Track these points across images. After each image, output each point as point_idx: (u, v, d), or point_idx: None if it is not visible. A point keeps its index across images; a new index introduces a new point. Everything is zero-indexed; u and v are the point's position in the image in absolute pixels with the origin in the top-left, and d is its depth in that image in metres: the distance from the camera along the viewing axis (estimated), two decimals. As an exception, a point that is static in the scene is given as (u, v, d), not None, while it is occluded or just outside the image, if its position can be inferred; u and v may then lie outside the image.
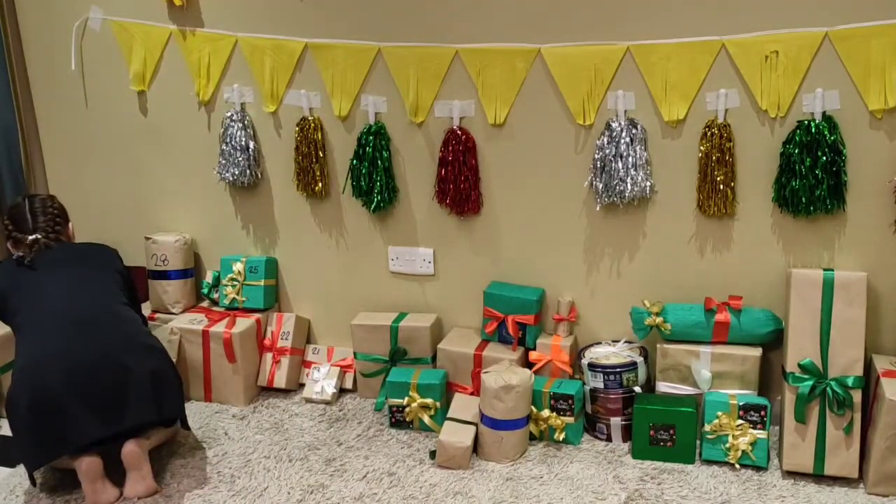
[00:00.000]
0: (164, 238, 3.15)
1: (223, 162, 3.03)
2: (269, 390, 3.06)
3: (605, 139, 2.59)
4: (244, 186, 3.10)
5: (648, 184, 2.60)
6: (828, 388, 2.31)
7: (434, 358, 2.90)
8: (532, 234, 2.81)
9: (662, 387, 2.60)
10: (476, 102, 2.74)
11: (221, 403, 2.99)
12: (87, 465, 2.32)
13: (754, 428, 2.42)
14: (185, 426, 2.63)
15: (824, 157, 2.39)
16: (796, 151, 2.41)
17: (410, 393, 2.73)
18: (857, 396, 2.31)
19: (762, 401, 2.44)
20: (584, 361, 2.65)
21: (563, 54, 2.59)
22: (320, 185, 2.95)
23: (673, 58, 2.49)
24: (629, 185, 2.57)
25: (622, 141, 2.56)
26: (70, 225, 2.83)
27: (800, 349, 2.36)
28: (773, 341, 2.55)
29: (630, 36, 2.51)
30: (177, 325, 2.99)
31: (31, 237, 2.64)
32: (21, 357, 2.41)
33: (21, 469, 2.56)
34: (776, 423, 2.61)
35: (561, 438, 2.61)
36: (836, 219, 2.48)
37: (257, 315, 3.06)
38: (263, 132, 3.03)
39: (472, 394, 2.78)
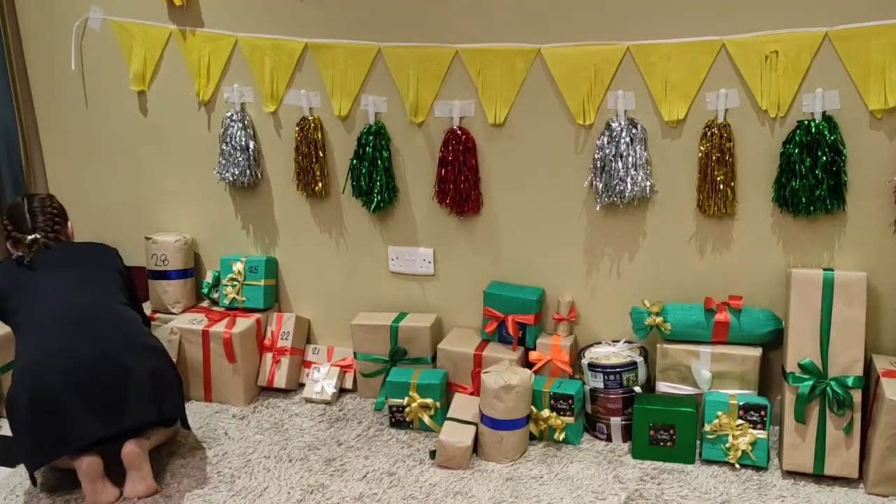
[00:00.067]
0: (164, 238, 3.15)
1: (223, 162, 3.03)
2: (269, 390, 3.06)
3: (605, 139, 2.59)
4: (244, 186, 3.10)
5: (648, 184, 2.60)
6: (828, 388, 2.31)
7: (434, 358, 2.90)
8: (532, 234, 2.81)
9: (662, 387, 2.60)
10: (476, 102, 2.74)
11: (221, 403, 2.99)
12: (87, 465, 2.32)
13: (754, 428, 2.42)
14: (185, 426, 2.63)
15: (824, 157, 2.39)
16: (796, 151, 2.41)
17: (410, 393, 2.73)
18: (857, 396, 2.31)
19: (762, 401, 2.44)
20: (584, 361, 2.65)
21: (563, 54, 2.59)
22: (320, 185, 2.95)
23: (673, 58, 2.49)
24: (629, 185, 2.58)
25: (622, 141, 2.56)
26: (69, 224, 2.83)
27: (800, 349, 2.36)
28: (773, 341, 2.55)
29: (630, 36, 2.52)
30: (177, 325, 2.99)
31: (30, 237, 2.64)
32: (21, 357, 2.41)
33: (21, 469, 2.56)
34: (776, 423, 2.61)
35: (561, 438, 2.61)
36: (836, 219, 2.48)
37: (257, 315, 3.06)
38: (263, 132, 3.03)
39: (472, 394, 2.78)
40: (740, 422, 2.42)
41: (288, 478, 2.47)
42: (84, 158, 3.33)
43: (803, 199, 2.43)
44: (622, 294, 2.76)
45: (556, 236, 2.79)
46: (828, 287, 2.34)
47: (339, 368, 3.04)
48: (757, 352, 2.51)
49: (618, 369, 2.59)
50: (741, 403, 2.43)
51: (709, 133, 2.51)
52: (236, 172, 3.00)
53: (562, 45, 2.59)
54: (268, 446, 2.67)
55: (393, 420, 2.77)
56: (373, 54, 2.79)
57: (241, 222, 3.18)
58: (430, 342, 2.90)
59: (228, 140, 2.99)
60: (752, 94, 2.46)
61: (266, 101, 2.97)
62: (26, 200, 2.73)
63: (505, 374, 2.53)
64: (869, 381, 2.38)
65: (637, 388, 2.60)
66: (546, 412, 2.60)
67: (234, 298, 3.09)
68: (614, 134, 2.57)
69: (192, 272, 3.22)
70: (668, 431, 2.47)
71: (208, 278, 3.22)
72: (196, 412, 2.91)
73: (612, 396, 2.59)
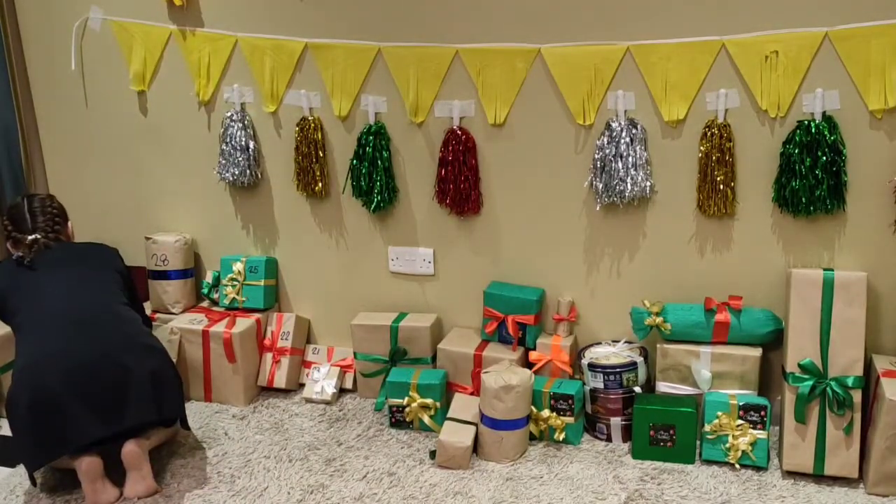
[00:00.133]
0: (164, 238, 3.15)
1: (223, 162, 3.03)
2: (269, 390, 3.06)
3: (605, 139, 2.59)
4: (244, 186, 3.10)
5: (648, 184, 2.60)
6: (828, 388, 2.31)
7: (434, 358, 2.90)
8: (532, 234, 2.81)
9: (662, 387, 2.60)
10: (476, 102, 2.74)
11: (221, 403, 2.99)
12: (87, 465, 2.32)
13: (754, 428, 2.42)
14: (185, 426, 2.63)
15: (824, 157, 2.39)
16: (796, 151, 2.41)
17: (410, 393, 2.73)
18: (857, 396, 2.31)
19: (762, 401, 2.44)
20: (584, 361, 2.65)
21: (563, 54, 2.59)
22: (320, 185, 2.95)
23: (673, 58, 2.49)
24: (629, 185, 2.57)
25: (622, 141, 2.56)
26: (69, 224, 2.83)
27: (800, 349, 2.36)
28: (773, 341, 2.55)
29: (630, 36, 2.51)
30: (177, 325, 2.99)
31: (30, 237, 2.64)
32: (21, 357, 2.41)
33: (21, 469, 2.56)
34: (776, 423, 2.61)
35: (561, 438, 2.61)
36: (836, 219, 2.48)
37: (257, 315, 3.06)
38: (263, 132, 3.03)
39: (472, 394, 2.78)
40: (740, 422, 2.42)
41: (288, 478, 2.47)
42: (84, 158, 3.33)
43: (803, 199, 2.43)
44: (622, 294, 2.76)
45: (556, 236, 2.79)
46: (828, 287, 2.34)
47: (339, 368, 3.04)
48: (757, 352, 2.51)
49: (618, 369, 2.58)
50: (741, 403, 2.43)
51: (709, 133, 2.51)
52: (236, 172, 3.00)
53: (562, 45, 2.59)
54: (268, 446, 2.67)
55: (393, 420, 2.77)
56: (373, 54, 2.79)
57: (241, 222, 3.19)
58: (430, 342, 2.90)
59: (228, 140, 2.99)
60: (752, 94, 2.46)
61: (266, 101, 2.97)
62: (26, 200, 2.73)
63: (505, 374, 2.53)
64: (869, 381, 2.38)
65: (637, 388, 2.60)
66: (546, 412, 2.60)
67: (234, 298, 3.09)
68: (614, 134, 2.57)
69: (192, 272, 3.22)
70: (668, 431, 2.47)
71: (208, 278, 3.22)
72: (196, 412, 2.91)
73: (612, 396, 2.59)
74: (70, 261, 2.64)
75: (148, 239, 3.16)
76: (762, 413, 2.41)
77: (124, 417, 2.36)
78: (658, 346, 2.59)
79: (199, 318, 3.04)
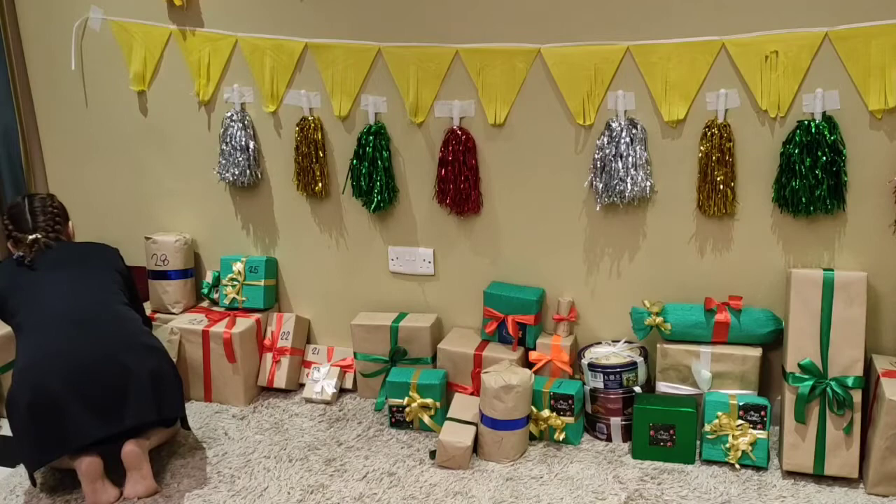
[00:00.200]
0: (164, 238, 3.15)
1: (223, 162, 3.03)
2: (269, 390, 3.06)
3: (605, 139, 2.59)
4: (244, 186, 3.10)
5: (648, 184, 2.60)
6: (828, 388, 2.31)
7: (434, 358, 2.90)
8: (532, 234, 2.81)
9: (662, 387, 2.60)
10: (476, 102, 2.74)
11: (221, 403, 2.99)
12: (87, 465, 2.32)
13: (754, 428, 2.42)
14: (185, 426, 2.63)
15: (824, 158, 2.39)
16: (796, 151, 2.41)
17: (410, 393, 2.73)
18: (857, 396, 2.31)
19: (762, 401, 2.44)
20: (584, 361, 2.65)
21: (563, 54, 2.59)
22: (320, 185, 2.95)
23: (673, 58, 2.49)
24: (629, 185, 2.57)
25: (622, 141, 2.56)
26: (70, 224, 2.83)
27: (800, 349, 2.36)
28: (773, 341, 2.55)
29: (630, 36, 2.51)
30: (177, 325, 2.99)
31: (31, 237, 2.64)
32: (21, 357, 2.41)
33: (21, 469, 2.56)
34: (776, 423, 2.61)
35: (561, 438, 2.61)
36: (836, 219, 2.48)
37: (257, 315, 3.06)
38: (263, 132, 3.03)
39: (472, 394, 2.78)
40: (740, 422, 2.42)
41: (288, 478, 2.47)
42: (84, 158, 3.33)
43: (803, 200, 2.43)
44: (622, 294, 2.76)
45: (556, 236, 2.79)
46: (828, 287, 2.34)
47: (339, 368, 3.04)
48: (757, 352, 2.51)
49: (618, 369, 2.59)
50: (741, 403, 2.43)
51: (709, 133, 2.51)
52: (236, 172, 3.01)
53: (562, 45, 2.59)
54: (268, 446, 2.67)
55: (393, 420, 2.77)
56: (373, 54, 2.79)
57: (241, 222, 3.19)
58: (430, 342, 2.90)
59: (228, 140, 2.99)
60: (752, 94, 2.46)
61: (266, 101, 2.97)
62: (27, 200, 2.73)
63: (505, 374, 2.53)
64: (869, 381, 2.38)
65: (637, 388, 2.60)
66: (546, 412, 2.60)
67: (234, 298, 3.09)
68: (614, 134, 2.57)
69: (192, 272, 3.22)
70: (668, 431, 2.47)
71: (208, 278, 3.22)
72: (196, 412, 2.91)
73: (612, 396, 2.59)
74: (70, 261, 2.64)
75: (148, 239, 3.16)
76: (762, 413, 2.41)
77: (124, 417, 2.36)
78: (658, 346, 2.59)
79: (199, 318, 3.04)
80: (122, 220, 3.32)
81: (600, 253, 2.76)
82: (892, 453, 2.23)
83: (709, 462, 2.47)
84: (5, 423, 2.72)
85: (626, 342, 2.75)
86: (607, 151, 2.59)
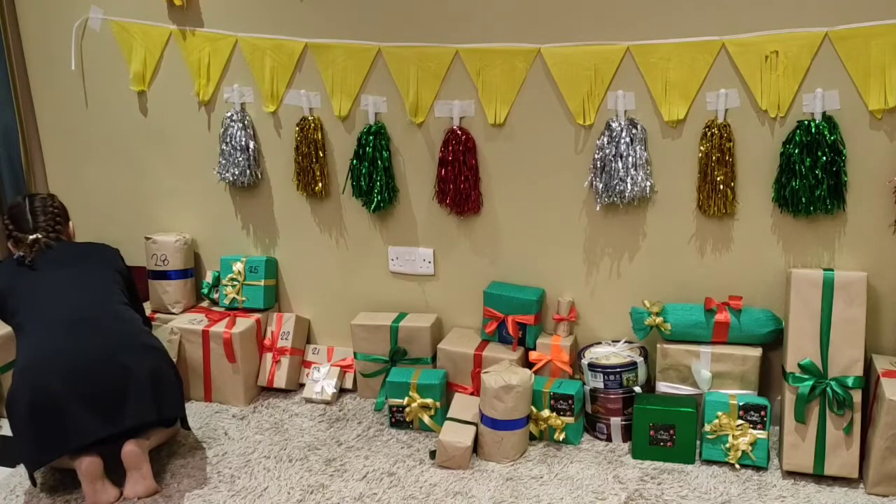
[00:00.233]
0: (164, 238, 3.15)
1: (223, 162, 3.03)
2: (269, 390, 3.06)
3: (605, 139, 2.59)
4: (244, 186, 3.10)
5: (648, 184, 2.60)
6: (828, 388, 2.31)
7: (434, 358, 2.90)
8: (532, 234, 2.81)
9: (662, 387, 2.60)
10: (476, 102, 2.74)
11: (221, 403, 2.99)
12: (87, 465, 2.32)
13: (754, 428, 2.42)
14: (185, 426, 2.63)
15: (824, 158, 2.39)
16: (796, 151, 2.41)
17: (410, 393, 2.73)
18: (857, 396, 2.30)
19: (762, 401, 2.44)
20: (584, 361, 2.65)
21: (563, 54, 2.59)
22: (320, 185, 2.95)
23: (673, 58, 2.49)
24: (629, 185, 2.57)
25: (622, 141, 2.56)
26: (71, 224, 2.83)
27: (800, 349, 2.36)
28: (773, 341, 2.55)
29: (630, 36, 2.51)
30: (177, 325, 2.99)
31: (31, 237, 2.64)
32: (21, 357, 2.41)
33: (21, 469, 2.56)
34: (776, 423, 2.61)
35: (561, 438, 2.61)
36: (836, 219, 2.48)
37: (257, 315, 3.06)
38: (263, 132, 3.03)
39: (472, 394, 2.78)
40: (740, 422, 2.42)
41: (288, 478, 2.48)
42: (84, 158, 3.33)
43: (803, 200, 2.43)
44: (622, 294, 2.76)
45: (556, 236, 2.79)
46: (828, 287, 2.34)
47: (339, 368, 3.04)
48: (757, 352, 2.51)
49: (618, 369, 2.59)
50: (741, 403, 2.43)
51: (709, 133, 2.51)
52: (236, 172, 3.01)
53: (562, 45, 2.59)
54: (268, 446, 2.67)
55: (393, 420, 2.77)
56: (373, 54, 2.79)
57: (241, 222, 3.19)
58: (430, 342, 2.90)
59: (228, 140, 3.00)
60: (752, 94, 2.46)
61: (266, 101, 2.97)
62: (28, 200, 2.73)
63: (505, 374, 2.53)
64: (869, 381, 2.38)
65: (637, 388, 2.60)
66: (546, 412, 2.60)
67: (234, 298, 3.09)
68: (614, 134, 2.57)
69: (192, 272, 3.22)
70: (668, 431, 2.47)
71: (208, 278, 3.22)
72: (196, 412, 2.91)
73: (612, 396, 2.59)
74: (71, 260, 2.64)
75: (148, 239, 3.16)
76: (762, 413, 2.41)
77: (124, 417, 2.36)
78: (658, 346, 2.59)
79: (199, 318, 3.04)
80: (122, 220, 3.32)
81: (600, 253, 2.76)
82: (892, 453, 2.23)
83: (709, 462, 2.47)
84: (5, 423, 2.72)
85: (626, 342, 2.75)
86: (607, 151, 2.59)
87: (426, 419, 2.73)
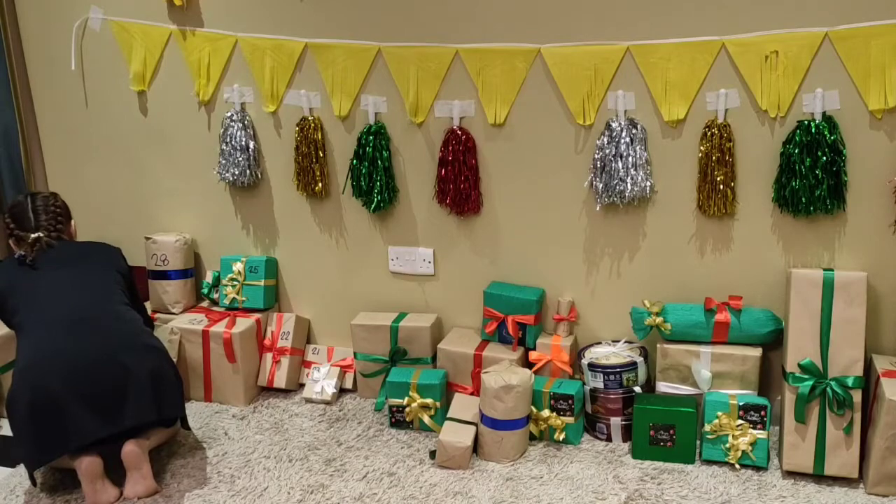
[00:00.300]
0: (164, 238, 3.15)
1: (223, 162, 3.03)
2: (269, 390, 3.06)
3: (605, 139, 2.59)
4: (244, 186, 3.10)
5: (648, 184, 2.60)
6: (828, 388, 2.31)
7: (434, 358, 2.90)
8: (532, 234, 2.81)
9: (662, 387, 2.60)
10: (476, 102, 2.74)
11: (221, 403, 2.99)
12: (87, 465, 2.32)
13: (754, 428, 2.42)
14: (186, 426, 2.63)
15: (824, 158, 2.39)
16: (796, 151, 2.41)
17: (410, 393, 2.73)
18: (857, 396, 2.30)
19: (762, 401, 2.44)
20: (584, 361, 2.65)
21: (563, 54, 2.59)
22: (320, 185, 2.95)
23: (673, 58, 2.49)
24: (629, 185, 2.57)
25: (622, 141, 2.56)
26: (72, 223, 2.83)
27: (800, 349, 2.36)
28: (773, 341, 2.55)
29: (630, 36, 2.51)
30: (177, 325, 2.99)
31: (33, 236, 2.63)
32: (21, 357, 2.41)
33: (21, 469, 2.56)
34: (776, 423, 2.61)
35: (561, 438, 2.61)
36: (836, 219, 2.48)
37: (257, 315, 3.06)
38: (263, 132, 3.03)
39: (472, 394, 2.78)
40: (740, 422, 2.42)
41: (288, 478, 2.47)
42: (84, 158, 3.33)
43: (803, 199, 2.43)
44: (622, 294, 2.76)
45: (556, 236, 2.79)
46: (828, 287, 2.34)
47: (339, 368, 3.04)
48: (757, 352, 2.51)
49: (618, 369, 2.58)
50: (741, 403, 2.43)
51: (709, 133, 2.51)
52: (236, 172, 3.01)
53: (562, 45, 2.59)
54: (268, 446, 2.67)
55: (393, 420, 2.77)
56: (373, 54, 2.79)
57: (241, 222, 3.19)
58: (430, 342, 2.90)
59: (228, 140, 3.00)
60: (752, 94, 2.46)
61: (266, 101, 2.97)
62: (30, 199, 2.73)
63: (505, 374, 2.53)
64: (869, 381, 2.38)
65: (637, 388, 2.60)
66: (546, 412, 2.60)
67: (234, 298, 3.09)
68: (614, 134, 2.57)
69: (192, 272, 3.22)
70: (668, 431, 2.47)
71: (208, 278, 3.22)
72: (196, 412, 2.91)
73: (612, 396, 2.59)
74: (72, 260, 2.64)
75: (148, 239, 3.16)
76: (762, 413, 2.41)
77: (124, 417, 2.36)
78: (658, 346, 2.59)
79: (199, 318, 3.04)
80: (122, 220, 3.32)
81: (600, 253, 2.76)
82: (892, 453, 2.23)
83: (709, 462, 2.47)
84: (5, 423, 2.72)
85: (626, 342, 2.75)
86: (607, 151, 2.59)
87: (426, 419, 2.73)
